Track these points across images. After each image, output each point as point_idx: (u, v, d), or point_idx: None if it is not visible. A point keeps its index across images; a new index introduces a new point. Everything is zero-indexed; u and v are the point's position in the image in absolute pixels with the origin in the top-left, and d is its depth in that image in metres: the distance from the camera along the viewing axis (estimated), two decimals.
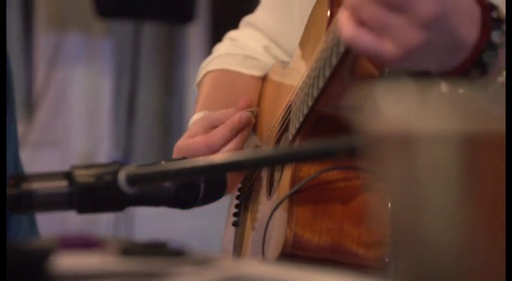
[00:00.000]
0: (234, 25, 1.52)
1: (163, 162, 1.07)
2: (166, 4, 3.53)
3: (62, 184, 0.91)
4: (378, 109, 0.45)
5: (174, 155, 1.25)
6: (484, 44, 0.93)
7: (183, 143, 1.26)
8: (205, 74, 1.43)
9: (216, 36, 3.93)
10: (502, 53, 0.94)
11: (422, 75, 1.06)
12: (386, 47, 0.89)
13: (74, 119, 3.79)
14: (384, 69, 1.07)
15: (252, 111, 1.27)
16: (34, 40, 3.74)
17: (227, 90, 1.40)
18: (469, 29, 0.93)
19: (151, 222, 3.42)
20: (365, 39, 0.89)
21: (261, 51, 1.44)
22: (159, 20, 3.70)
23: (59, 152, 3.72)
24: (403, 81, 1.06)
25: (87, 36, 3.77)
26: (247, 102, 1.27)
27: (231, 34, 1.49)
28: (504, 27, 0.94)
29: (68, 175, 0.91)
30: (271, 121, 1.34)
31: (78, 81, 3.78)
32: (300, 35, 1.32)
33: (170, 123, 3.96)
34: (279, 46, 1.44)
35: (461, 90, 0.94)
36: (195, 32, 3.97)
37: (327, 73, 1.05)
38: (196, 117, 1.33)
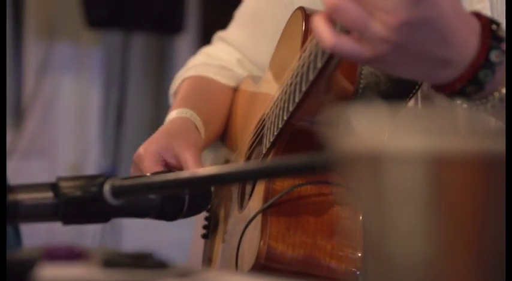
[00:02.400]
0: None
1: (148, 174, 1.08)
2: (155, 15, 3.54)
3: (48, 195, 0.92)
4: (350, 128, 0.46)
5: (134, 158, 1.26)
6: (481, 62, 0.93)
7: (146, 148, 1.26)
8: (182, 81, 1.44)
9: (205, 46, 3.94)
10: (501, 70, 0.94)
11: (398, 95, 1.08)
12: (365, 50, 0.90)
13: (62, 128, 3.79)
14: (359, 85, 1.09)
15: None
16: (23, 49, 3.74)
17: (205, 94, 1.41)
18: (463, 46, 0.92)
19: (139, 232, 3.42)
20: (346, 45, 0.91)
21: (235, 63, 1.45)
22: (148, 30, 3.71)
23: (47, 161, 3.72)
24: (375, 102, 1.07)
25: (76, 46, 3.78)
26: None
27: (205, 49, 1.51)
28: (504, 46, 0.94)
29: (53, 186, 0.92)
30: (241, 134, 1.35)
31: (67, 90, 3.78)
32: (272, 50, 1.33)
33: None
34: (250, 61, 1.45)
35: (430, 111, 0.93)
36: (184, 42, 3.99)
37: (304, 88, 1.07)
38: (175, 115, 1.33)
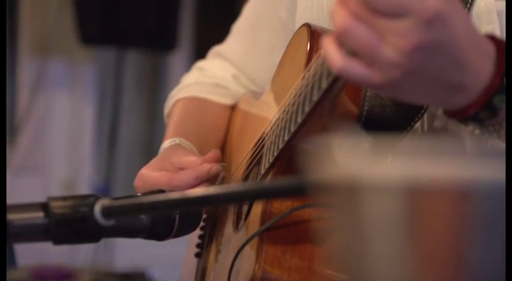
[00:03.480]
0: None
1: (139, 194, 1.08)
2: (149, 31, 3.55)
3: (38, 215, 0.92)
4: (332, 158, 0.47)
5: (136, 183, 1.24)
6: (496, 87, 0.89)
7: (147, 173, 1.24)
8: (175, 103, 1.43)
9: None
10: None
11: (404, 118, 1.05)
12: (375, 76, 0.86)
13: (55, 145, 3.78)
14: (363, 108, 1.06)
15: (222, 166, 1.25)
16: (18, 65, 3.75)
17: (197, 117, 1.40)
18: (477, 70, 0.89)
19: (133, 249, 3.42)
20: (355, 69, 0.87)
21: (230, 80, 1.44)
22: (142, 47, 3.71)
23: (40, 177, 3.72)
24: (359, 134, 1.04)
25: (70, 63, 3.78)
26: (216, 155, 1.25)
27: (199, 64, 1.49)
28: None
29: (44, 206, 0.92)
30: (239, 152, 1.34)
31: (61, 107, 3.78)
32: (269, 66, 1.32)
33: (152, 151, 3.96)
34: (246, 76, 1.44)
35: (409, 145, 0.91)
36: (178, 59, 3.99)
37: (307, 109, 1.03)
38: (167, 144, 1.32)
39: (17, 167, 3.59)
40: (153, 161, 1.27)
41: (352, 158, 0.48)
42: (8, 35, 3.69)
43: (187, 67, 4.08)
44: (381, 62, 0.85)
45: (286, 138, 1.10)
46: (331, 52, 0.88)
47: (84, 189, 3.76)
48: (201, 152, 1.30)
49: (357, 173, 0.47)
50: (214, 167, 1.22)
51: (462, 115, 0.92)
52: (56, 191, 3.67)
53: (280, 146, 1.11)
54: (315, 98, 1.01)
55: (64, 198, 0.95)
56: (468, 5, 1.08)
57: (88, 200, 0.93)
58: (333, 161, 0.48)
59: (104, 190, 3.67)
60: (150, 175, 1.23)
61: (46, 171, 3.75)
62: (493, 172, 0.44)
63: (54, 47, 3.71)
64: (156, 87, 4.09)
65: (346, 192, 0.47)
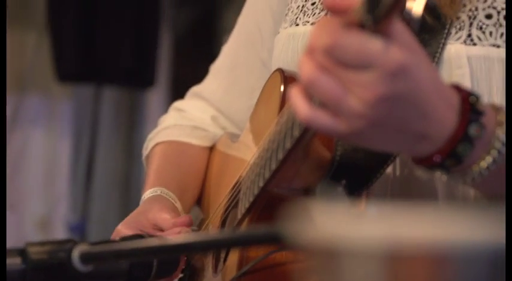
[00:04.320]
0: None
1: (118, 239, 1.08)
2: (126, 69, 3.56)
3: (16, 261, 0.92)
4: (311, 221, 0.47)
5: (113, 238, 1.24)
6: (460, 136, 0.91)
7: (122, 231, 1.25)
8: (154, 146, 1.44)
9: (175, 100, 3.95)
10: (480, 144, 0.92)
11: (376, 163, 1.07)
12: (341, 126, 0.88)
13: (31, 182, 3.77)
14: (336, 153, 1.07)
15: (192, 230, 1.27)
16: None
17: (177, 162, 1.41)
18: (442, 120, 0.90)
19: None
20: (321, 120, 0.88)
21: (209, 122, 1.45)
22: (119, 84, 3.72)
23: (15, 214, 3.69)
24: (338, 197, 1.06)
25: (47, 99, 3.78)
26: (186, 220, 1.26)
27: (178, 105, 1.50)
28: (483, 119, 0.92)
29: (21, 252, 0.92)
30: (217, 195, 1.35)
31: (37, 143, 3.77)
32: (248, 106, 1.33)
33: (129, 188, 3.95)
34: (226, 117, 1.45)
35: (387, 209, 0.91)
36: (156, 96, 4.00)
37: (280, 156, 1.04)
38: (148, 195, 1.33)
39: None
40: (131, 216, 1.29)
41: (330, 221, 0.48)
42: None
43: (165, 104, 4.09)
44: (347, 113, 0.87)
45: (261, 184, 1.11)
46: (298, 102, 0.89)
47: (59, 227, 3.74)
48: (182, 199, 1.32)
49: (335, 236, 0.47)
50: (183, 233, 1.23)
51: (428, 162, 0.94)
52: (31, 229, 3.65)
53: (256, 192, 1.12)
54: (288, 145, 1.02)
55: (42, 243, 0.95)
56: (439, 50, 1.10)
57: (66, 245, 0.93)
58: (311, 223, 0.48)
59: (80, 228, 3.65)
60: (125, 232, 1.24)
61: (21, 208, 3.73)
62: (472, 233, 0.45)
63: (31, 83, 3.71)
64: (133, 124, 4.09)
65: (325, 254, 0.48)
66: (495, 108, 0.97)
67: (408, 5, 0.85)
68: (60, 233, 3.75)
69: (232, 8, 4.16)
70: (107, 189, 3.93)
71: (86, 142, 3.77)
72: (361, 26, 0.85)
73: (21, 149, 3.73)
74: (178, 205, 1.32)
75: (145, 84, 3.67)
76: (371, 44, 0.84)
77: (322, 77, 0.86)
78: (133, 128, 4.08)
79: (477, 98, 0.93)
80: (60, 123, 3.83)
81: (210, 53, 4.48)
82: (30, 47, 3.65)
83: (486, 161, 0.94)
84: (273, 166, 1.07)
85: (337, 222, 0.48)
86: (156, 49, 3.63)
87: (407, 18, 0.85)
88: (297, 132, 1.00)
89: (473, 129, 0.92)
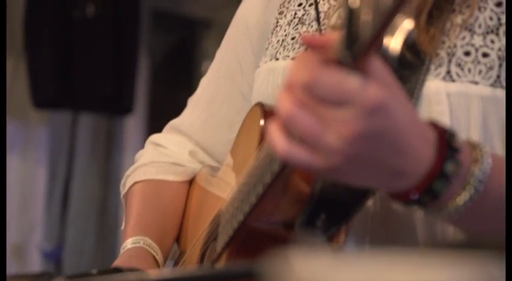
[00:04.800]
0: (172, 116, 1.52)
1: (93, 271, 1.08)
2: (104, 96, 3.55)
3: None
4: (290, 269, 0.47)
5: None
6: (437, 173, 0.92)
7: None
8: (132, 185, 1.43)
9: (153, 127, 3.95)
10: (456, 180, 0.93)
11: (355, 197, 1.07)
12: (319, 162, 0.88)
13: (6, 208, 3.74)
14: (316, 187, 1.07)
15: None
16: None
17: (156, 204, 1.40)
18: (418, 157, 0.91)
19: None
20: (299, 155, 0.88)
21: (187, 157, 1.44)
22: (96, 111, 3.71)
23: None
24: (317, 242, 1.06)
25: (23, 125, 3.76)
26: None
27: (155, 139, 1.49)
28: (460, 156, 0.93)
29: None
30: (196, 229, 1.34)
31: (13, 170, 3.75)
32: (228, 140, 1.33)
33: (105, 214, 3.94)
34: (204, 150, 1.45)
35: (368, 256, 0.91)
36: (133, 122, 3.99)
37: (260, 190, 1.04)
38: (130, 244, 1.33)
39: None
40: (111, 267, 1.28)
41: (309, 266, 0.48)
42: None
43: (142, 131, 4.09)
44: (324, 149, 0.87)
45: (240, 218, 1.10)
46: (276, 137, 0.90)
47: (34, 254, 3.71)
48: (163, 244, 1.33)
49: None
50: None
51: (405, 198, 0.94)
52: (6, 256, 3.62)
53: (235, 226, 1.12)
54: (267, 180, 1.02)
55: (19, 276, 0.94)
56: (418, 86, 1.11)
57: (42, 279, 0.92)
58: (290, 265, 0.48)
59: (55, 255, 3.63)
60: None
61: None
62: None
63: (8, 110, 3.69)
64: (110, 151, 4.08)
65: None
66: (472, 145, 0.97)
67: (386, 42, 0.85)
68: (35, 260, 3.73)
69: (210, 35, 4.18)
70: (82, 216, 3.91)
71: (62, 169, 3.76)
72: (340, 62, 0.86)
73: None
74: (159, 257, 1.33)
75: (122, 111, 3.67)
76: (349, 82, 0.85)
77: (300, 113, 0.87)
78: (110, 155, 4.07)
79: (453, 134, 0.94)
80: (36, 149, 3.81)
81: (188, 80, 4.49)
82: (7, 73, 3.64)
83: (462, 198, 0.95)
84: (253, 200, 1.07)
85: (316, 267, 0.48)
86: (134, 76, 3.63)
87: (385, 55, 0.85)
88: (276, 167, 1.00)
89: (449, 167, 0.92)
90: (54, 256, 3.62)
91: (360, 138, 0.86)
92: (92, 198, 3.99)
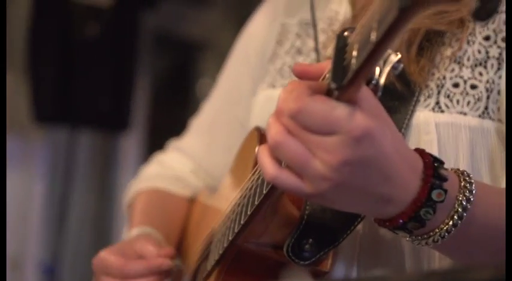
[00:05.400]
0: (169, 133, 1.58)
1: None
2: (102, 112, 3.57)
3: None
4: None
5: (94, 261, 1.28)
6: (423, 201, 0.94)
7: (104, 255, 1.28)
8: (138, 194, 1.47)
9: (151, 143, 3.98)
10: (442, 208, 0.96)
11: (344, 222, 1.08)
12: (306, 187, 0.91)
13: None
14: (305, 211, 1.09)
15: (176, 265, 1.30)
16: None
17: (162, 207, 1.44)
18: (405, 184, 0.93)
19: None
20: (286, 180, 0.91)
21: (189, 174, 1.49)
22: (95, 127, 3.73)
23: None
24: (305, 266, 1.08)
25: (22, 141, 3.78)
26: (171, 252, 1.29)
27: (159, 157, 1.54)
28: (446, 185, 0.95)
29: None
30: (193, 245, 1.38)
31: (11, 184, 3.76)
32: (227, 162, 1.37)
33: (102, 230, 3.95)
34: (205, 171, 1.49)
35: None
36: (131, 139, 4.01)
37: (249, 211, 1.07)
38: (135, 232, 1.36)
39: None
40: (116, 244, 1.32)
41: None
42: None
43: (140, 148, 4.10)
44: (311, 175, 0.89)
45: (230, 237, 1.13)
46: (265, 162, 0.93)
47: (31, 267, 3.72)
48: (167, 241, 1.36)
49: None
50: (166, 264, 1.26)
51: (391, 224, 0.97)
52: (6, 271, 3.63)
53: (225, 245, 1.15)
54: (256, 201, 1.05)
55: None
56: (408, 116, 1.13)
57: None
58: None
59: (52, 269, 3.64)
60: (107, 257, 1.27)
61: None
62: None
63: (8, 123, 3.71)
64: (108, 167, 4.09)
65: None
66: (458, 174, 1.00)
67: (375, 73, 0.88)
68: (32, 274, 3.74)
69: (208, 54, 4.21)
70: (79, 231, 3.92)
71: (60, 184, 3.77)
72: (328, 92, 0.89)
73: None
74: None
75: (120, 128, 3.69)
76: (336, 111, 0.88)
77: (287, 140, 0.89)
78: (107, 171, 4.08)
79: (440, 163, 0.97)
80: (34, 164, 3.83)
81: (185, 99, 4.51)
82: (8, 89, 3.67)
83: (448, 225, 0.97)
84: (242, 220, 1.09)
85: None
86: (133, 93, 3.66)
87: (374, 86, 0.87)
88: (264, 190, 1.03)
89: (435, 194, 0.95)
90: (51, 270, 3.63)
91: (346, 165, 0.88)
92: (89, 213, 4.00)
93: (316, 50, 1.27)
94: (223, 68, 1.51)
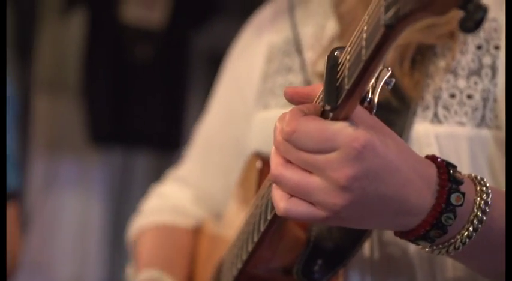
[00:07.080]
0: None
1: None
2: (157, 132, 3.61)
3: None
4: None
5: None
6: (443, 206, 0.91)
7: None
8: (143, 233, 1.47)
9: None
10: (461, 211, 0.92)
11: (351, 241, 1.07)
12: (318, 212, 0.88)
13: (63, 244, 3.80)
14: (311, 233, 1.08)
15: None
16: (28, 164, 3.80)
17: (166, 247, 1.44)
18: (420, 192, 0.90)
19: None
20: (298, 210, 0.88)
21: (189, 203, 1.48)
22: (150, 147, 3.77)
23: (46, 275, 3.72)
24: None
25: (79, 162, 3.83)
26: None
27: (158, 190, 1.54)
28: (463, 188, 0.92)
29: None
30: (204, 277, 1.37)
31: (69, 205, 3.81)
32: (223, 183, 1.37)
33: None
34: (204, 196, 1.48)
35: None
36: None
37: (256, 238, 1.05)
38: (143, 276, 1.36)
39: (25, 265, 3.59)
40: None
41: None
42: (21, 133, 3.75)
43: None
44: (320, 198, 0.87)
45: (239, 266, 1.12)
46: (275, 196, 0.90)
47: None
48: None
49: None
50: None
51: (413, 235, 0.94)
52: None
53: (235, 274, 1.14)
54: (262, 228, 1.03)
55: None
56: (406, 130, 1.11)
57: None
58: None
59: None
60: None
61: (52, 269, 3.76)
62: None
63: (65, 146, 3.77)
64: None
65: None
66: (472, 178, 0.96)
67: (368, 90, 0.86)
68: None
69: None
70: None
71: (117, 205, 3.81)
72: (322, 114, 0.87)
73: (54, 211, 3.77)
74: None
75: (174, 148, 3.72)
76: (332, 126, 0.85)
77: (283, 172, 0.87)
78: None
79: (453, 167, 0.93)
80: (92, 186, 3.87)
81: None
82: (64, 111, 3.72)
83: (468, 230, 0.94)
84: (250, 248, 1.08)
85: None
86: (185, 113, 3.68)
87: (367, 103, 0.86)
88: (269, 216, 1.00)
89: (454, 198, 0.91)
90: None
91: (355, 181, 0.86)
92: None
93: (303, 68, 1.25)
94: (214, 92, 1.51)
